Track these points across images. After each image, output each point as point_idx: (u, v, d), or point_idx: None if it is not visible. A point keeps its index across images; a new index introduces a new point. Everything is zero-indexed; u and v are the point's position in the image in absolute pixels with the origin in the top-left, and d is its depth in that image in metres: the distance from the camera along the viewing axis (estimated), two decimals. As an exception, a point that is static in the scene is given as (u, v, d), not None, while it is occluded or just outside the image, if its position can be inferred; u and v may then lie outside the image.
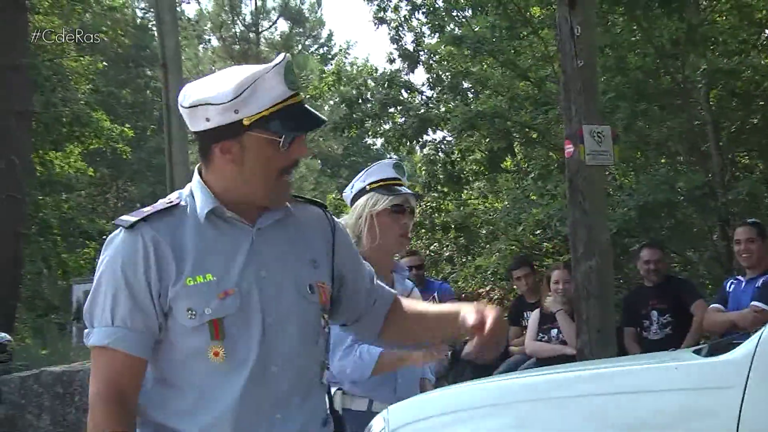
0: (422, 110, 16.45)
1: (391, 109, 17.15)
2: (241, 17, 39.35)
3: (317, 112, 2.51)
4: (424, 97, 17.52)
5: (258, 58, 33.70)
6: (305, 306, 2.54)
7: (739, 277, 7.18)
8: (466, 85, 16.54)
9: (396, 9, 16.75)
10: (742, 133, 13.19)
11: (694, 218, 12.37)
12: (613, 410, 3.19)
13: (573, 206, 8.11)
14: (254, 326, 2.45)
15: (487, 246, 14.74)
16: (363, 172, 4.10)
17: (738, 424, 2.89)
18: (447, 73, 17.07)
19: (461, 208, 15.92)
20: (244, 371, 2.43)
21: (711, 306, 7.32)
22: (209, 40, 41.10)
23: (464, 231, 15.06)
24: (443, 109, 15.63)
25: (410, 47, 17.38)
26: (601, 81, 10.86)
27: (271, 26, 40.36)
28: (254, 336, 2.44)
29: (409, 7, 16.48)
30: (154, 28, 18.98)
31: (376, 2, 16.67)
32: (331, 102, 31.19)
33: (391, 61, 17.82)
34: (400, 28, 17.11)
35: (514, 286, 10.35)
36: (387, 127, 17.12)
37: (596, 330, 7.70)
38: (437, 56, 16.52)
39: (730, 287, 7.14)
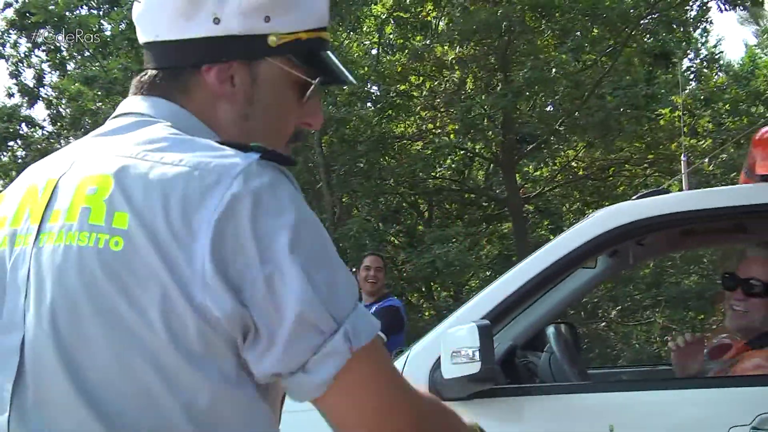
0: (44, 144, 16.51)
1: (11, 143, 17.01)
2: None
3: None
4: (44, 132, 17.52)
5: None
6: None
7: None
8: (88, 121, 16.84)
9: (15, 45, 16.73)
10: (349, 175, 14.72)
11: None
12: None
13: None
14: None
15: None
16: None
17: None
18: (68, 110, 17.24)
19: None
20: None
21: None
22: None
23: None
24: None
25: (30, 83, 17.35)
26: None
27: None
28: None
29: (29, 44, 16.54)
30: None
31: (-6, 38, 16.59)
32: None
33: (10, 95, 17.66)
34: (20, 64, 17.07)
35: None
36: (6, 160, 16.95)
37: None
38: (64, 93, 16.65)
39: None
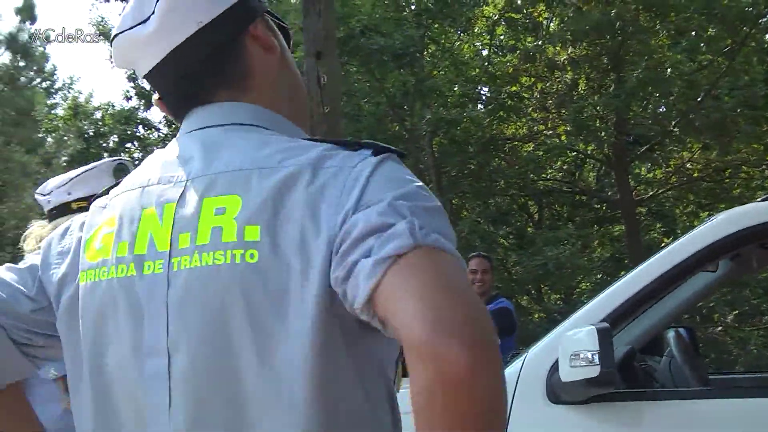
0: (159, 146, 16.94)
1: (129, 145, 17.52)
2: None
3: None
4: (161, 134, 18.00)
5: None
6: None
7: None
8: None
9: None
10: (459, 177, 14.72)
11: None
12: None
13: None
14: None
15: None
16: (70, 176, 3.00)
17: None
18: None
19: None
20: None
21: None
22: None
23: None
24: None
25: (147, 86, 17.84)
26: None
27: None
28: None
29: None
30: None
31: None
32: (65, 138, 30.56)
33: (128, 98, 18.20)
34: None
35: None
36: (125, 162, 17.46)
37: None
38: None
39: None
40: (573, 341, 2.99)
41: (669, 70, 14.77)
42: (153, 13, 1.37)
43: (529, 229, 17.96)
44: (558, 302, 16.53)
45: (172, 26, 1.37)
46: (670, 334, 3.58)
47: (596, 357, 2.88)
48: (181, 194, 1.30)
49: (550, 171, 17.49)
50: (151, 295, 1.27)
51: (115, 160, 3.17)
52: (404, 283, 1.12)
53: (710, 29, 15.38)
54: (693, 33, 15.56)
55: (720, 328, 15.39)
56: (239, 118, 1.38)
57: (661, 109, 16.46)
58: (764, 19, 15.27)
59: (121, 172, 2.97)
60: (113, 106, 19.19)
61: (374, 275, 1.13)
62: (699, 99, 14.75)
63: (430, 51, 15.01)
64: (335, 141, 1.30)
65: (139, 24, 1.38)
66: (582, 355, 2.93)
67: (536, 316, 16.43)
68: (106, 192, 1.47)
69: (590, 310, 3.29)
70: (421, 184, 1.26)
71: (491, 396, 1.07)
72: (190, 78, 1.40)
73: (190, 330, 1.24)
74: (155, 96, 1.48)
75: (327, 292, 1.18)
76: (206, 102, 1.41)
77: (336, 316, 1.20)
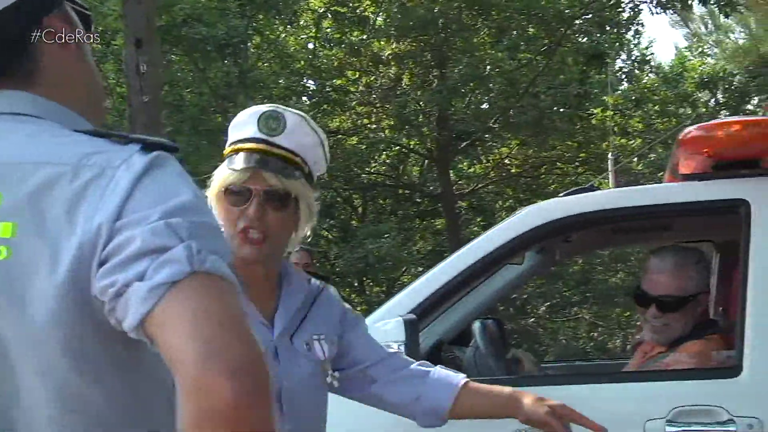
0: None
1: None
2: None
3: None
4: None
5: None
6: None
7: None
8: None
9: None
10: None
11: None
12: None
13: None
14: None
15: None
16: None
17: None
18: None
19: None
20: None
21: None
22: None
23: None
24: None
25: None
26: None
27: None
28: None
29: None
30: None
31: None
32: None
33: None
34: None
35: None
36: None
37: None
38: None
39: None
40: (381, 332, 3.01)
41: (489, 67, 15.18)
42: None
43: (353, 222, 18.10)
44: (380, 295, 16.75)
45: None
46: (476, 326, 3.66)
47: (402, 348, 2.92)
48: None
49: (374, 165, 17.68)
50: None
51: None
52: (176, 314, 1.10)
53: (530, 29, 15.90)
54: (514, 32, 16.05)
55: (533, 320, 15.96)
56: (16, 108, 1.29)
57: (483, 106, 16.91)
58: (579, 21, 15.90)
59: None
60: None
61: (147, 301, 1.10)
62: (518, 96, 15.22)
63: (254, 42, 14.90)
64: (108, 134, 1.24)
65: None
66: (389, 347, 2.96)
67: (359, 309, 16.60)
68: None
69: (400, 301, 3.32)
70: (194, 189, 1.21)
71: (260, 429, 1.07)
72: None
73: None
74: None
75: (74, 291, 1.14)
76: None
77: (89, 316, 1.16)
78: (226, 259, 1.17)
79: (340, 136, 16.49)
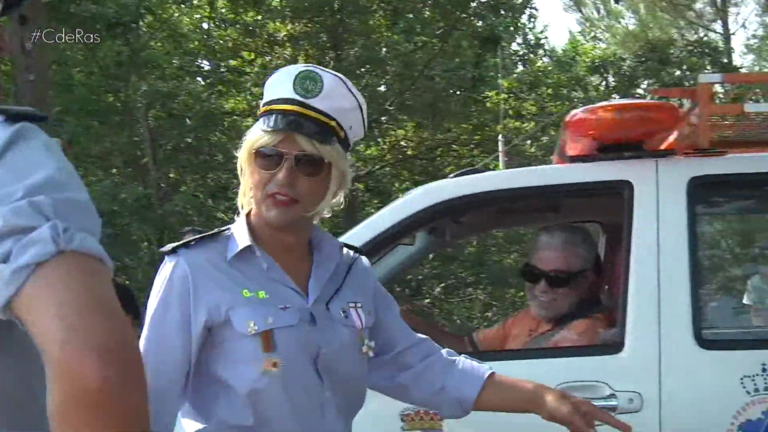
0: None
1: None
2: None
3: None
4: None
5: None
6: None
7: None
8: None
9: None
10: (176, 150, 14.47)
11: (132, 227, 13.32)
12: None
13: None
14: None
15: None
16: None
17: None
18: None
19: None
20: None
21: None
22: None
23: None
24: None
25: None
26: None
27: None
28: None
29: None
30: None
31: None
32: None
33: None
34: None
35: None
36: None
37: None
38: None
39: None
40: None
41: (385, 49, 15.20)
42: None
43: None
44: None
45: None
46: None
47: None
48: None
49: (270, 146, 17.53)
50: None
51: None
52: (42, 296, 1.07)
53: (426, 11, 15.97)
54: (410, 15, 16.09)
55: (428, 300, 16.11)
56: None
57: (379, 88, 16.93)
58: (474, 4, 16.04)
59: None
60: None
61: (12, 284, 1.07)
62: (414, 79, 15.28)
63: (146, 21, 14.62)
64: None
65: None
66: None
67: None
68: None
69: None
70: (60, 161, 1.18)
71: (130, 411, 1.05)
72: None
73: None
74: None
75: None
76: None
77: None
78: (97, 236, 1.14)
79: (235, 117, 16.31)
